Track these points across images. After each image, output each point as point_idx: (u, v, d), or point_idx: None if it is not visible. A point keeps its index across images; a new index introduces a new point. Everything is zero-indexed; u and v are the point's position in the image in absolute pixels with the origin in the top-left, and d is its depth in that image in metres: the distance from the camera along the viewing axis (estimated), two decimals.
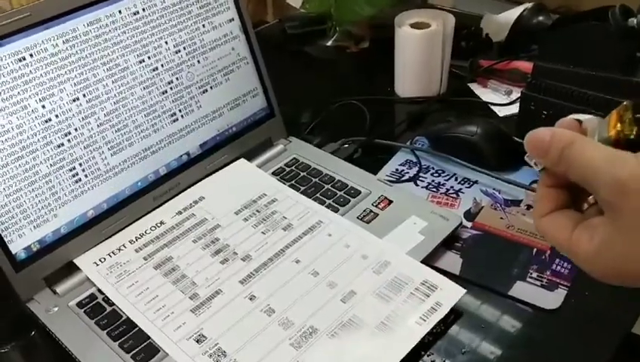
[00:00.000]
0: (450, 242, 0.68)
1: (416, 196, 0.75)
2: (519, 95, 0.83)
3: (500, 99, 0.93)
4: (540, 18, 0.98)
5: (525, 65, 0.93)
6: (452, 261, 0.67)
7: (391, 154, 0.83)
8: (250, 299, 0.61)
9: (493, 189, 0.75)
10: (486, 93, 0.95)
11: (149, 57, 0.69)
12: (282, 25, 1.18)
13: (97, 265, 0.66)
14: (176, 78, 0.72)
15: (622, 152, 0.31)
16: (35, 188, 0.63)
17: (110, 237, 0.69)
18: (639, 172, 0.30)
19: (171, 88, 0.72)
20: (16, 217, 0.62)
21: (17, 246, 0.62)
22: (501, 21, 1.05)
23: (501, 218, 0.71)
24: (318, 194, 0.74)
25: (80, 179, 0.66)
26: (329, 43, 1.14)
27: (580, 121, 0.34)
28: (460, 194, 0.75)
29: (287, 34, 1.16)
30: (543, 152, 0.33)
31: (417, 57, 0.91)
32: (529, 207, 0.72)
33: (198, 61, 0.74)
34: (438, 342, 0.59)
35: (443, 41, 0.91)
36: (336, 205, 0.73)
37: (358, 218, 0.71)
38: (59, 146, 0.64)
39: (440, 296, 0.60)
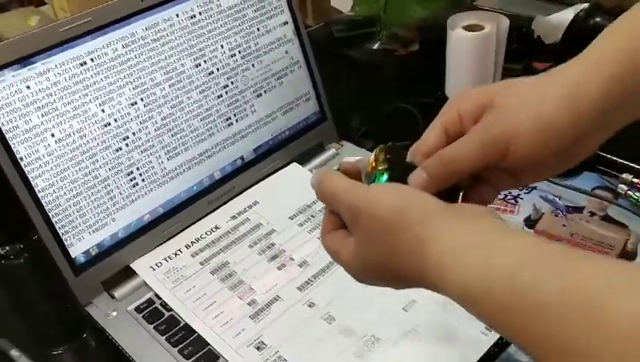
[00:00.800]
0: None
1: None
2: None
3: None
4: (597, 19, 0.95)
5: None
6: None
7: None
8: (310, 306, 0.61)
9: (553, 195, 0.73)
10: None
11: (205, 61, 0.69)
12: (328, 28, 1.17)
13: (154, 269, 0.66)
14: (232, 82, 0.72)
15: (357, 183, 0.40)
16: (94, 192, 0.63)
17: (166, 241, 0.69)
18: (367, 196, 0.37)
19: (227, 92, 0.71)
20: (76, 221, 0.62)
21: (77, 251, 0.62)
22: (553, 22, 1.03)
23: (563, 225, 0.69)
24: None
25: (137, 183, 0.66)
26: (375, 46, 1.13)
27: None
28: (518, 200, 0.73)
29: (334, 37, 1.15)
30: (316, 186, 0.42)
31: (471, 60, 0.89)
32: (592, 213, 0.70)
33: (253, 65, 0.73)
34: (503, 353, 0.57)
35: (497, 43, 0.89)
36: None
37: None
38: (117, 150, 0.64)
39: None
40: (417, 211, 0.36)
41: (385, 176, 0.40)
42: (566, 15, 1.02)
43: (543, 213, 0.71)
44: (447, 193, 0.39)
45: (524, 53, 0.99)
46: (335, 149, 0.82)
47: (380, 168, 0.40)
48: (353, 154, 0.80)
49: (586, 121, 0.38)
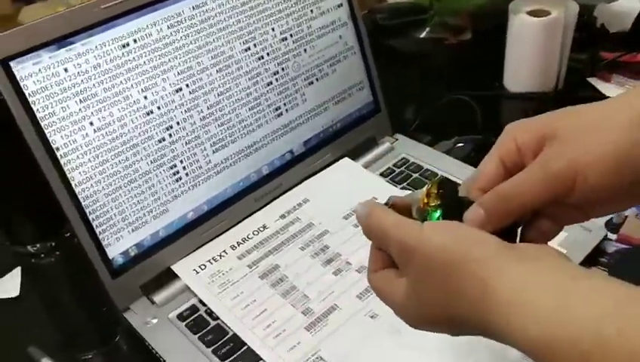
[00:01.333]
0: (593, 257, 0.60)
1: None
2: None
3: None
4: None
5: None
6: None
7: None
8: (372, 317, 0.54)
9: None
10: (610, 89, 0.85)
11: (254, 45, 0.63)
12: (371, 16, 1.10)
13: (197, 272, 0.60)
14: (282, 69, 0.66)
15: (409, 220, 0.37)
16: (134, 187, 0.57)
17: (210, 241, 0.63)
18: (421, 235, 0.34)
19: (277, 80, 0.65)
20: (115, 218, 0.56)
21: (115, 251, 0.57)
22: (619, 10, 0.95)
23: None
24: None
25: (180, 178, 0.60)
26: (423, 35, 1.06)
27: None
28: None
29: (378, 25, 1.08)
30: (359, 220, 0.39)
31: (535, 48, 0.82)
32: None
33: (305, 50, 0.67)
34: None
35: (564, 30, 0.82)
36: None
37: None
38: (160, 141, 0.58)
39: None
40: (476, 251, 0.33)
41: (438, 213, 0.37)
42: (631, 2, 0.95)
43: (626, 216, 0.64)
44: (505, 230, 0.36)
45: (588, 42, 0.92)
46: (390, 143, 0.75)
47: (433, 204, 0.37)
48: (409, 149, 0.74)
49: None
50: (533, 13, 0.82)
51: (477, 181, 0.38)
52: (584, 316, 0.29)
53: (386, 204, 0.40)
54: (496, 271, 0.32)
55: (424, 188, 0.38)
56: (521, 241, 0.38)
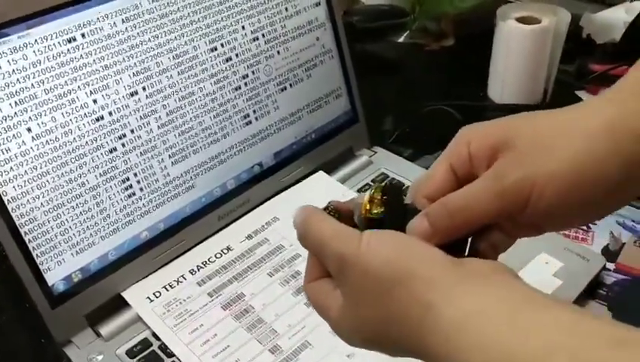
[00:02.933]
0: (592, 289, 0.55)
1: None
2: None
3: None
4: None
5: None
6: (598, 314, 0.53)
7: None
8: (348, 356, 0.48)
9: (633, 221, 0.61)
10: None
11: (222, 45, 0.56)
12: (347, 18, 1.04)
13: (151, 300, 0.53)
14: (252, 72, 0.59)
15: (349, 229, 0.33)
16: (80, 203, 0.50)
17: (167, 264, 0.56)
18: (360, 247, 0.31)
19: (246, 84, 0.59)
20: (56, 239, 0.49)
21: (55, 276, 0.49)
22: (606, 21, 0.91)
23: None
24: None
25: (134, 193, 0.53)
26: (401, 39, 1.00)
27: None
28: (591, 226, 0.61)
29: (355, 29, 1.02)
30: (295, 226, 0.36)
31: (523, 57, 0.77)
32: None
33: (278, 52, 0.61)
34: None
35: (554, 39, 0.77)
36: None
37: None
38: (111, 151, 0.51)
39: None
40: (420, 268, 0.30)
41: (380, 221, 0.34)
42: (617, 13, 0.91)
43: (623, 244, 0.59)
44: (452, 242, 0.33)
45: (576, 53, 0.87)
46: (368, 156, 0.69)
47: (375, 211, 0.34)
48: (388, 163, 0.68)
49: (626, 162, 0.32)
50: (522, 20, 0.77)
51: (424, 187, 0.35)
52: (534, 346, 0.26)
53: (326, 208, 0.36)
54: (441, 293, 0.29)
55: (367, 193, 0.35)
56: (470, 254, 0.34)
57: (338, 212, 0.36)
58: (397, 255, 0.31)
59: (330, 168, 0.67)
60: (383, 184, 0.36)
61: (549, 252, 0.56)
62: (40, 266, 0.48)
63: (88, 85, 0.49)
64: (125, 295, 0.53)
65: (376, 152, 0.70)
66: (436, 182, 0.35)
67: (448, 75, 0.91)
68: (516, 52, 0.77)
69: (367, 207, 0.34)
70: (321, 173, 0.66)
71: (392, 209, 0.34)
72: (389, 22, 1.02)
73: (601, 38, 0.90)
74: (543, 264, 0.55)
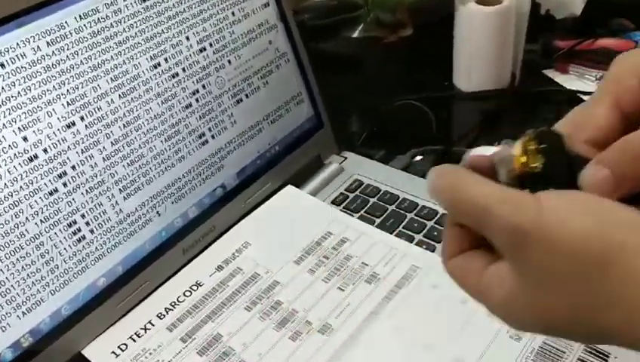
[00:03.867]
0: None
1: None
2: None
3: (591, 87, 0.75)
4: None
5: (616, 44, 0.76)
6: None
7: None
8: None
9: None
10: (569, 81, 0.77)
11: (165, 60, 0.50)
12: (296, 17, 0.99)
13: (117, 355, 0.47)
14: (203, 86, 0.53)
15: (519, 193, 0.26)
16: (20, 257, 0.43)
17: (130, 311, 0.50)
18: (541, 219, 0.25)
19: (197, 100, 0.53)
20: None
21: (1, 344, 0.43)
22: None
23: None
24: (401, 228, 0.56)
25: (84, 237, 0.46)
26: (356, 34, 0.96)
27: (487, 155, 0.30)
28: None
29: (305, 27, 0.97)
30: (434, 195, 0.28)
31: (487, 41, 0.73)
32: None
33: (229, 61, 0.55)
34: None
35: (518, 18, 0.73)
36: (430, 241, 0.54)
37: None
38: (51, 193, 0.44)
39: None
40: (630, 238, 0.24)
41: (543, 178, 0.27)
42: None
43: None
44: (633, 197, 0.27)
45: (538, 31, 0.84)
46: (337, 163, 0.64)
47: (534, 164, 0.27)
48: (361, 169, 0.63)
49: None
50: (482, 2, 0.73)
51: (583, 131, 0.29)
52: None
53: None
54: None
55: (517, 143, 0.28)
56: None
57: (476, 170, 0.29)
58: (597, 224, 0.25)
59: (299, 181, 0.61)
60: (538, 130, 0.29)
61: None
62: None
63: (15, 122, 0.42)
64: (87, 353, 0.47)
65: (346, 158, 0.65)
66: (600, 123, 0.29)
67: (410, 66, 0.86)
68: (480, 36, 0.74)
69: (523, 159, 0.28)
70: (289, 187, 0.60)
71: (554, 159, 0.28)
72: (341, 17, 0.98)
73: (561, 13, 0.87)
74: None
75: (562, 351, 0.44)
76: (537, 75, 0.79)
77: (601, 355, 0.43)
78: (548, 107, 0.74)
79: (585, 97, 0.74)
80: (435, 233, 0.55)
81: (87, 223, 0.46)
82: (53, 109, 0.44)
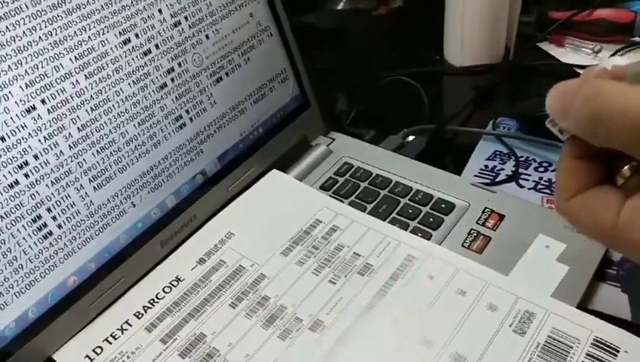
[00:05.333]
0: (599, 270, 0.48)
1: (533, 203, 0.54)
2: (611, 53, 0.63)
3: (587, 60, 0.72)
4: None
5: (613, 14, 0.72)
6: (614, 299, 0.46)
7: (470, 147, 0.62)
8: None
9: None
10: (565, 54, 0.74)
11: (136, 35, 0.46)
12: None
13: (92, 359, 0.43)
14: (179, 64, 0.49)
15: None
16: None
17: (105, 310, 0.46)
18: None
19: (172, 80, 0.48)
20: None
21: None
22: None
23: None
24: (394, 214, 0.53)
25: (50, 232, 0.42)
26: (340, 6, 0.91)
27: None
28: None
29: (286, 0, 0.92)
30: (563, 112, 0.24)
31: (481, 12, 0.69)
32: None
33: (207, 36, 0.50)
34: None
35: None
36: (426, 228, 0.51)
37: (463, 246, 0.49)
38: (11, 186, 0.40)
39: None
40: None
41: None
42: None
43: None
44: None
45: (530, 0, 0.80)
46: (325, 145, 0.60)
47: None
48: (350, 151, 0.59)
49: None
50: None
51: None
52: None
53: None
54: None
55: None
56: None
57: None
58: None
59: (284, 164, 0.57)
60: None
61: (547, 233, 0.49)
62: None
63: None
64: (58, 358, 0.43)
65: (334, 139, 0.61)
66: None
67: (398, 40, 0.82)
68: (472, 8, 0.70)
69: None
70: (274, 171, 0.56)
71: None
72: None
73: None
74: (544, 248, 0.48)
75: (569, 345, 0.41)
76: (532, 48, 0.76)
77: (610, 349, 0.40)
78: (544, 81, 0.71)
79: (581, 71, 0.70)
80: (431, 219, 0.51)
81: (54, 218, 0.42)
82: (9, 92, 0.39)
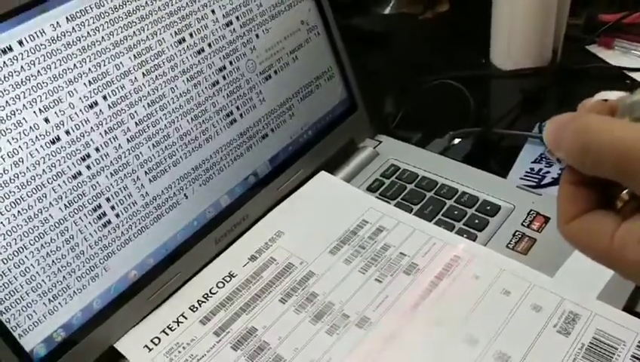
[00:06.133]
0: None
1: None
2: None
3: (638, 63, 0.71)
4: None
5: None
6: None
7: (516, 149, 0.62)
8: None
9: None
10: (614, 57, 0.73)
11: (191, 35, 0.48)
12: None
13: (150, 349, 0.45)
14: (230, 63, 0.50)
15: None
16: (45, 244, 0.41)
17: (163, 303, 0.47)
18: None
19: (224, 77, 0.50)
20: (25, 297, 0.40)
21: (33, 340, 0.41)
22: None
23: None
24: (440, 216, 0.53)
25: (109, 221, 0.44)
26: (387, 11, 0.92)
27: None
28: None
29: (336, 4, 0.93)
30: (557, 144, 0.26)
31: (529, 13, 0.69)
32: None
33: (257, 35, 0.52)
34: None
35: None
36: (471, 230, 0.51)
37: (508, 247, 0.49)
38: (74, 177, 0.42)
39: None
40: None
41: None
42: None
43: None
44: None
45: (579, 2, 0.79)
46: (372, 147, 0.61)
47: None
48: (396, 153, 0.60)
49: None
50: None
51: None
52: None
53: None
54: None
55: None
56: None
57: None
58: None
59: (332, 166, 0.58)
60: None
61: None
62: (13, 331, 0.40)
63: (36, 102, 0.40)
64: (119, 346, 0.45)
65: (381, 141, 0.62)
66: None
67: (445, 44, 0.82)
68: (520, 10, 0.70)
69: None
70: (323, 173, 0.57)
71: None
72: None
73: None
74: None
75: (614, 346, 0.41)
76: (580, 50, 0.75)
77: None
78: (592, 84, 0.70)
79: (631, 74, 0.70)
80: (477, 221, 0.52)
81: (113, 207, 0.44)
82: (74, 89, 0.41)
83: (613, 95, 0.25)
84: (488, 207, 0.53)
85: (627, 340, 0.41)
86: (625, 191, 0.27)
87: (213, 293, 0.48)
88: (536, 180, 0.58)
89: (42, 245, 0.41)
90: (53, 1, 0.40)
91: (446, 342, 0.42)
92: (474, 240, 0.50)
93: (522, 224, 0.51)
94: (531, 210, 0.52)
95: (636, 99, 0.25)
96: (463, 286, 0.46)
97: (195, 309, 0.47)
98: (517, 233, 0.50)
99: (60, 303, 0.42)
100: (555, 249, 0.48)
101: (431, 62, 0.78)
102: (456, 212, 0.53)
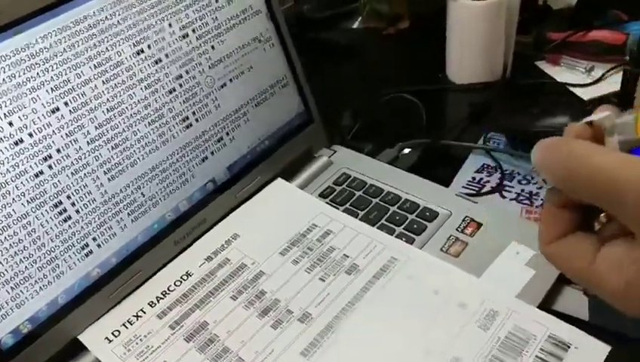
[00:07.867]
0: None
1: (511, 213, 0.59)
2: (603, 72, 0.68)
3: (580, 79, 0.76)
4: None
5: (607, 36, 0.76)
6: (575, 301, 0.50)
7: (461, 159, 0.67)
8: None
9: None
10: (560, 73, 0.78)
11: (148, 46, 0.52)
12: (297, 7, 1.01)
13: (110, 341, 0.49)
14: (187, 71, 0.55)
15: None
16: (8, 236, 0.46)
17: (124, 299, 0.52)
18: None
19: (181, 85, 0.55)
20: None
21: (1, 331, 0.46)
22: None
23: None
24: (383, 221, 0.58)
25: (69, 217, 0.49)
26: (355, 25, 0.97)
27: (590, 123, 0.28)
28: None
29: (305, 18, 0.99)
30: (542, 166, 0.27)
31: (478, 34, 0.74)
32: None
33: (213, 47, 0.57)
34: None
35: (508, 12, 0.74)
36: (410, 234, 0.56)
37: (442, 250, 0.55)
38: (37, 175, 0.47)
39: (577, 358, 0.44)
40: None
41: None
42: None
43: None
44: None
45: (532, 22, 0.85)
46: (327, 156, 0.66)
47: None
48: (349, 162, 0.65)
49: None
50: None
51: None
52: None
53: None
54: None
55: (634, 113, 0.27)
56: None
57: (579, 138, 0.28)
58: None
59: (288, 174, 0.63)
60: None
61: (519, 240, 0.54)
62: None
63: (1, 107, 0.45)
64: (82, 338, 0.50)
65: (335, 151, 0.67)
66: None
67: (405, 59, 0.88)
68: (470, 30, 0.75)
69: None
70: (279, 180, 0.62)
71: None
72: (340, 9, 0.99)
73: (557, 4, 0.88)
74: (514, 254, 0.53)
75: (526, 340, 0.45)
76: (529, 66, 0.80)
77: (562, 344, 0.45)
78: (538, 99, 0.76)
79: (573, 89, 0.75)
80: (415, 226, 0.57)
81: (73, 204, 0.49)
82: (37, 95, 0.46)
83: (595, 116, 0.27)
84: (427, 213, 0.58)
85: (538, 334, 0.46)
86: (603, 214, 0.28)
87: (171, 291, 0.53)
88: (476, 188, 0.63)
89: (5, 237, 0.45)
90: (18, 19, 0.45)
91: (380, 335, 0.47)
92: (411, 244, 0.55)
93: (457, 229, 0.56)
94: (466, 216, 0.57)
95: (625, 120, 0.26)
96: (398, 285, 0.51)
97: (153, 305, 0.52)
98: (451, 237, 0.55)
99: (26, 297, 0.47)
100: (484, 252, 0.54)
101: (392, 76, 0.83)
102: (397, 217, 0.58)
